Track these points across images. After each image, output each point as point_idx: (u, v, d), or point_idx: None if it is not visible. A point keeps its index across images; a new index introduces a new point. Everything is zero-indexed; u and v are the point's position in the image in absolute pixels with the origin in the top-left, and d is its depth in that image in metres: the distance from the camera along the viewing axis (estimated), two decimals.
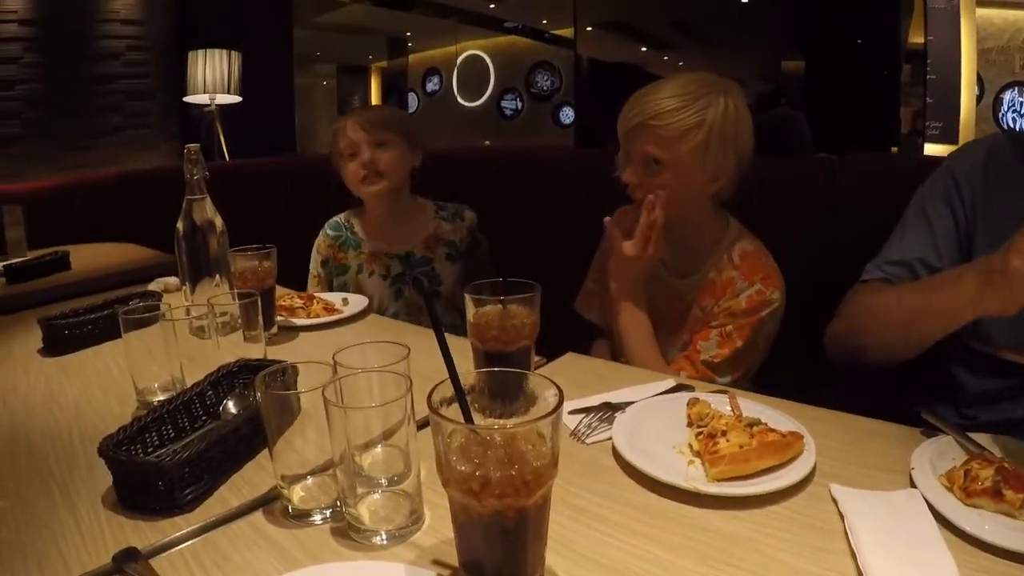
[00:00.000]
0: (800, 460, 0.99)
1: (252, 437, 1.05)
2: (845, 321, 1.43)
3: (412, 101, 11.23)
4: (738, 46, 5.25)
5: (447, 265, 2.26)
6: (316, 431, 0.88)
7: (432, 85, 11.08)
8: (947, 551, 0.78)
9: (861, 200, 1.94)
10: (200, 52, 5.00)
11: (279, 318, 1.72)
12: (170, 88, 5.62)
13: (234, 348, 1.34)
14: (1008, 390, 1.32)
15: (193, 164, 1.60)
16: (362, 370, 0.86)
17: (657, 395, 1.21)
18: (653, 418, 1.11)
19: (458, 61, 10.59)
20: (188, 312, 1.42)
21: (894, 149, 4.57)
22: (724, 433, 1.00)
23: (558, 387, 0.68)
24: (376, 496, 0.88)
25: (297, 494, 0.92)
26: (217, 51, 4.97)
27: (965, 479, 0.90)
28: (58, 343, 1.69)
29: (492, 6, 9.60)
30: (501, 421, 0.71)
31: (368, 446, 0.85)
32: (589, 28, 7.06)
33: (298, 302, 1.81)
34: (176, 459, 0.93)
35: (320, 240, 2.35)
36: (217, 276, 1.64)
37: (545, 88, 9.92)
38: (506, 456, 0.64)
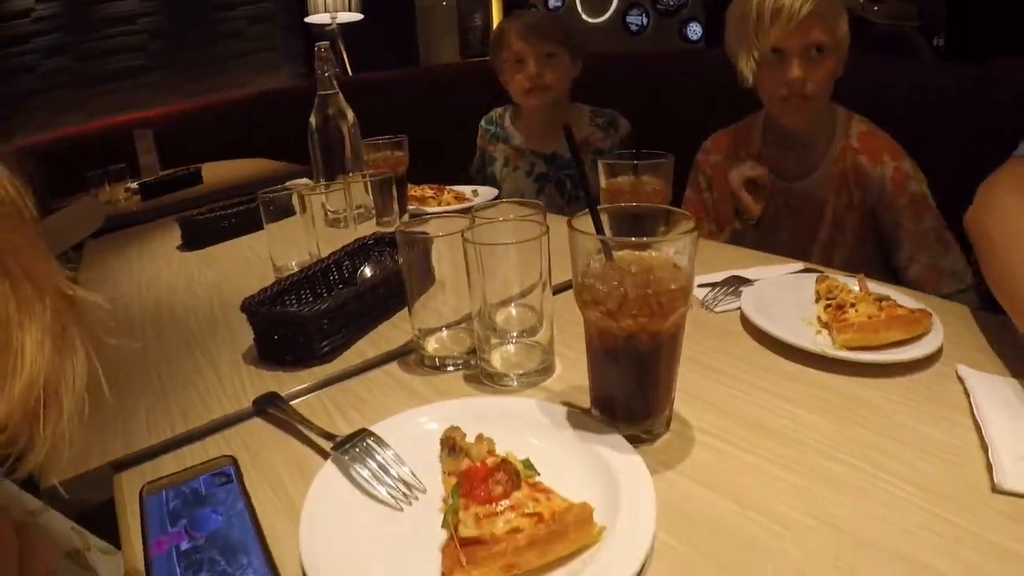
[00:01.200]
0: (928, 337, 0.97)
1: (388, 297, 1.11)
2: (970, 212, 1.16)
3: None
4: None
5: (592, 173, 2.23)
6: (454, 293, 0.93)
7: (554, 1, 10.87)
8: None
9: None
10: None
11: (411, 207, 1.77)
12: (291, 10, 5.67)
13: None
14: None
15: (324, 61, 1.65)
16: (500, 219, 0.89)
17: (786, 274, 1.20)
18: (781, 292, 1.11)
19: None
20: (327, 188, 1.47)
21: None
22: (853, 305, 1.00)
23: (695, 218, 0.69)
24: (509, 346, 0.91)
25: (432, 345, 0.96)
26: None
27: None
28: (196, 238, 1.80)
29: None
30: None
31: (504, 304, 0.89)
32: None
33: (429, 192, 1.87)
34: (315, 310, 0.98)
35: (479, 132, 2.42)
36: (351, 174, 1.69)
37: (671, 3, 9.60)
38: (642, 278, 0.66)
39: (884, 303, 1.01)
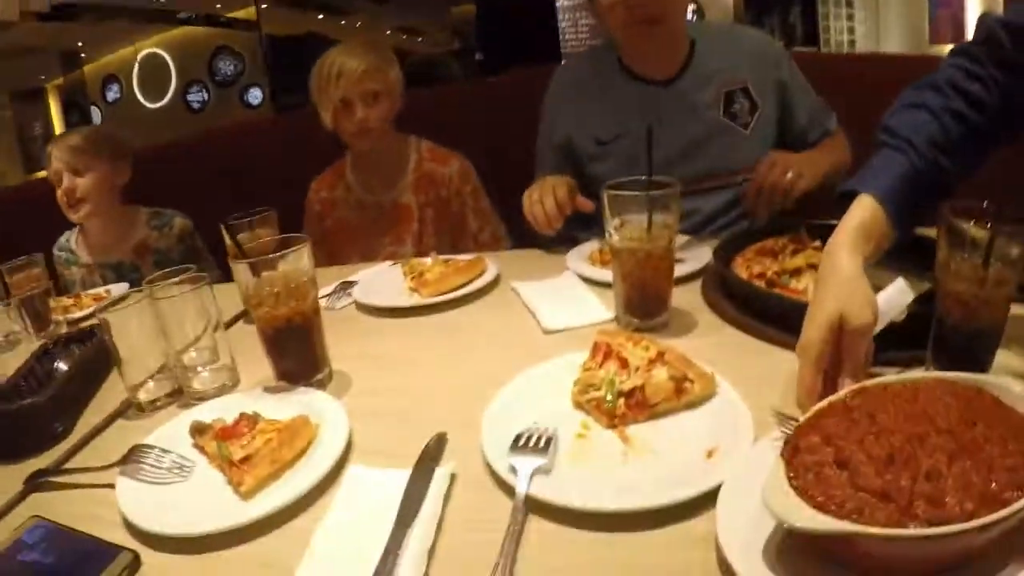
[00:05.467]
0: (487, 273, 1.53)
1: (91, 375, 1.38)
2: None
3: (96, 115, 10.74)
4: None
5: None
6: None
7: (112, 94, 10.62)
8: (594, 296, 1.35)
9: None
10: None
11: (59, 318, 1.83)
12: None
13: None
14: None
15: None
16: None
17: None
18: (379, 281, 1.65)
19: (136, 63, 10.20)
20: None
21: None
22: (429, 271, 1.52)
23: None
24: (205, 373, 1.25)
25: (143, 395, 1.25)
26: None
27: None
28: None
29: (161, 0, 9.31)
30: None
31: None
32: (265, 5, 7.05)
33: (67, 301, 1.97)
34: (39, 400, 1.20)
35: (55, 259, 2.44)
36: None
37: (229, 73, 9.86)
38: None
39: (449, 263, 1.53)
